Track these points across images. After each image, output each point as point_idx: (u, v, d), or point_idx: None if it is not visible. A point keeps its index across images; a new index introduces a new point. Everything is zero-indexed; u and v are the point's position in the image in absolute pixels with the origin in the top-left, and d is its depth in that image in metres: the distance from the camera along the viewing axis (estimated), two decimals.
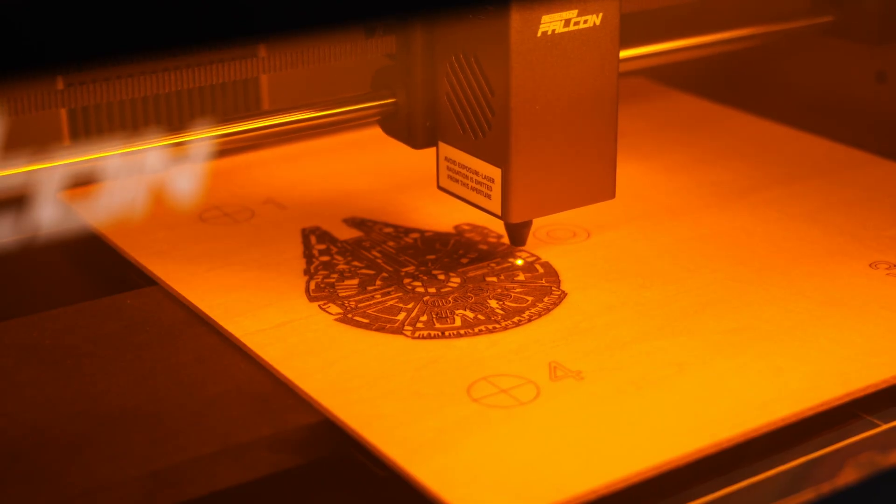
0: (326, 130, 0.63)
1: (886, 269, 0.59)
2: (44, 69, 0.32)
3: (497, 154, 0.55)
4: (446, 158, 0.58)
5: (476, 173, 0.56)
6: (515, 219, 0.57)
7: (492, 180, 0.56)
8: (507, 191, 0.56)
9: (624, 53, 0.65)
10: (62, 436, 0.48)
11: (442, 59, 0.57)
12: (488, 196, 0.56)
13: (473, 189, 0.57)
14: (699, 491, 0.46)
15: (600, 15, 0.55)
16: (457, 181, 0.58)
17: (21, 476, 0.46)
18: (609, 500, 0.45)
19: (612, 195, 0.58)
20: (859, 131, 0.76)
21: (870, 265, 0.59)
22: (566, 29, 0.54)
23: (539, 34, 0.53)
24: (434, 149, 0.59)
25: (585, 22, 0.54)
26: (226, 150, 0.60)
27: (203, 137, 0.56)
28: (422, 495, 0.45)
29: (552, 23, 0.53)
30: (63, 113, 0.69)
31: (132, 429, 0.48)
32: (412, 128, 0.59)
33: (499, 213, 0.56)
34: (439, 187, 0.59)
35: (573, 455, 0.46)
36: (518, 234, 0.59)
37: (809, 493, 0.46)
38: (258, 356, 0.52)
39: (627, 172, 0.70)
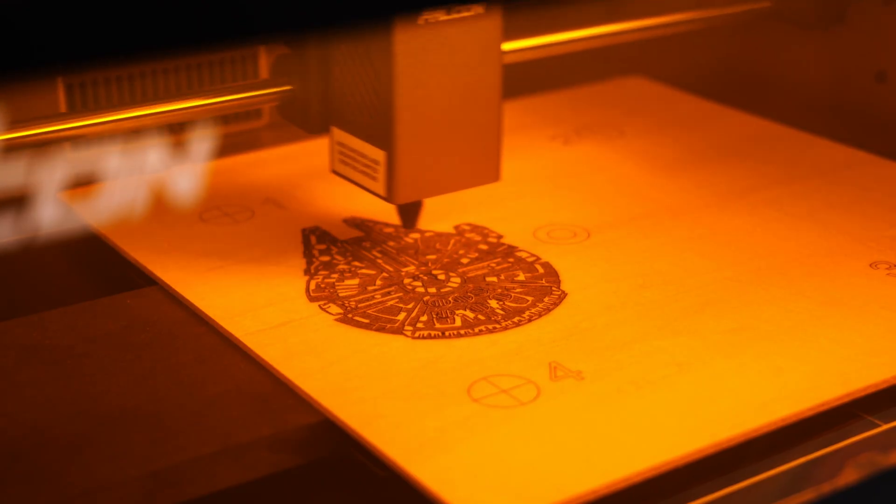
0: (226, 117, 0.63)
1: (886, 269, 0.59)
2: (43, 68, 0.32)
3: (382, 137, 0.57)
4: (339, 143, 0.59)
5: (364, 156, 0.58)
6: (399, 200, 0.58)
7: (377, 163, 0.57)
8: (391, 173, 0.57)
9: (555, 38, 0.68)
10: (62, 436, 0.48)
11: (334, 48, 0.58)
12: (374, 178, 0.57)
13: (362, 172, 0.58)
14: (699, 491, 0.46)
15: (483, 4, 0.55)
16: (348, 164, 0.59)
17: (21, 476, 0.46)
18: (609, 500, 0.45)
19: (497, 178, 0.60)
20: (859, 131, 0.76)
21: (870, 265, 0.59)
22: (449, 17, 0.55)
23: (422, 22, 0.54)
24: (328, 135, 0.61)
25: (469, 10, 0.55)
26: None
27: (99, 122, 0.57)
28: (422, 495, 0.45)
29: (435, 11, 0.54)
30: (59, 85, 0.68)
31: (132, 429, 0.48)
32: (307, 114, 0.60)
33: (384, 194, 0.58)
34: (333, 171, 0.60)
35: (573, 455, 0.46)
36: (407, 216, 0.61)
37: (809, 494, 0.46)
38: (258, 356, 0.52)
39: (627, 172, 0.70)
